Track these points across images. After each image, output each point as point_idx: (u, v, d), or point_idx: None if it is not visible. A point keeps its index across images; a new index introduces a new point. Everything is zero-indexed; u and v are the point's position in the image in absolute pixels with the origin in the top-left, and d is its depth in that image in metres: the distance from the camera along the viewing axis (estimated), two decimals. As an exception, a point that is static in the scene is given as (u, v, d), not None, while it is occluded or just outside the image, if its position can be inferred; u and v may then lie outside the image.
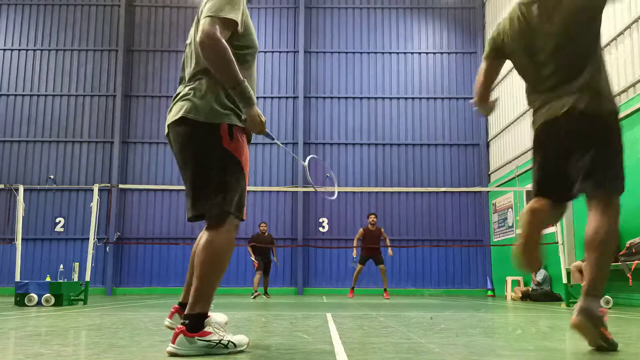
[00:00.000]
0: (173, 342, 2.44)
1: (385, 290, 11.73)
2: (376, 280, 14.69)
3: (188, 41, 2.82)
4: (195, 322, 2.48)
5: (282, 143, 15.88)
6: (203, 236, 2.60)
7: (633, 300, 8.68)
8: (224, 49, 2.50)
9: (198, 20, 2.68)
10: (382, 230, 12.28)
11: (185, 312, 2.53)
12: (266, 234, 12.41)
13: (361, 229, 12.16)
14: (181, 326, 2.47)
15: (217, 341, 2.50)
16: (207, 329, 2.49)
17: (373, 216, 12.13)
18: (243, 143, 2.68)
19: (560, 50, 2.90)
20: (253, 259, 11.95)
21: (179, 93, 2.70)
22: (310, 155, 3.70)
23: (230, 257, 2.63)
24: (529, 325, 4.43)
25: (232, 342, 2.55)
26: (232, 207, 2.60)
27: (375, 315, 5.58)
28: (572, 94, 2.88)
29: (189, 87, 2.66)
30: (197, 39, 2.53)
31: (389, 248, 11.99)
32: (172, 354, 2.44)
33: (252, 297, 11.34)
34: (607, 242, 2.73)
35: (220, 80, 2.57)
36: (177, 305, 3.04)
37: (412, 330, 3.79)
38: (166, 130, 2.75)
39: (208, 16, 2.54)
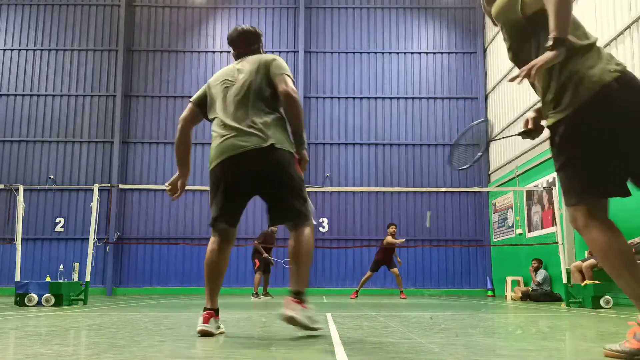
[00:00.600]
0: (292, 309, 3.12)
1: (401, 292, 12.03)
2: (375, 280, 14.69)
3: (238, 84, 3.44)
4: (304, 297, 3.22)
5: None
6: (298, 234, 3.28)
7: (633, 300, 8.68)
8: (300, 102, 3.40)
9: (257, 70, 3.42)
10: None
11: (297, 290, 3.21)
12: (275, 234, 12.40)
13: (390, 237, 12.33)
14: (296, 299, 3.17)
15: (312, 314, 3.26)
16: (306, 304, 3.24)
17: (394, 227, 12.37)
18: None
19: None
20: (266, 256, 11.76)
21: (240, 125, 3.31)
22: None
23: None
24: (529, 325, 4.43)
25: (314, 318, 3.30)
26: (310, 212, 3.39)
27: (375, 315, 5.58)
28: None
29: (261, 119, 3.32)
30: (284, 91, 3.33)
31: (397, 257, 12.50)
32: (291, 318, 3.11)
33: (257, 297, 11.30)
34: None
35: (293, 124, 3.37)
36: (210, 311, 3.32)
37: (412, 330, 3.79)
38: (221, 158, 3.37)
39: (286, 75, 3.41)
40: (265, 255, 11.81)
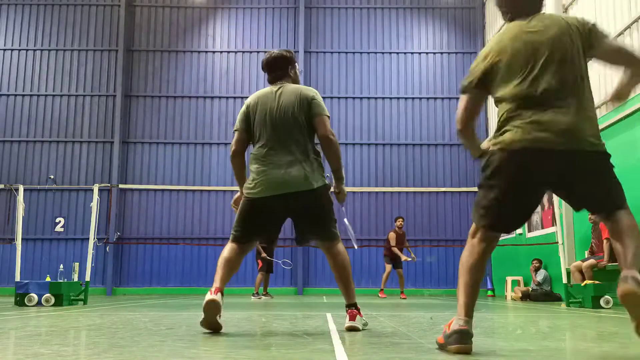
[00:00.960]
0: (353, 320, 3.73)
1: (402, 292, 12.07)
2: (375, 279, 14.68)
3: (280, 112, 3.68)
4: (357, 307, 3.80)
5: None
6: (333, 250, 3.81)
7: (633, 300, 8.67)
8: (337, 142, 3.79)
9: (299, 104, 3.69)
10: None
11: (351, 302, 3.83)
12: None
13: (393, 233, 12.28)
14: (354, 310, 3.78)
15: (365, 320, 3.92)
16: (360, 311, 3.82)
17: (401, 220, 12.29)
18: None
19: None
20: (264, 255, 11.64)
21: (287, 162, 3.63)
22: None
23: None
24: (529, 325, 4.43)
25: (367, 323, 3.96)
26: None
27: (375, 315, 5.58)
28: None
29: (304, 159, 3.67)
30: (324, 135, 3.71)
31: (412, 252, 12.46)
32: (354, 328, 3.70)
33: (257, 297, 11.29)
34: None
35: (333, 164, 3.80)
36: (217, 287, 3.58)
37: (412, 330, 3.79)
38: (270, 194, 3.63)
39: (325, 115, 3.74)
40: (264, 255, 11.79)
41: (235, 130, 3.85)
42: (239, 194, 3.97)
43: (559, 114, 2.54)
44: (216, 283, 3.58)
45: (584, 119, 2.57)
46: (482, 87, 2.76)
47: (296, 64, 4.00)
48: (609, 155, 2.61)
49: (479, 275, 2.66)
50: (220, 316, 3.43)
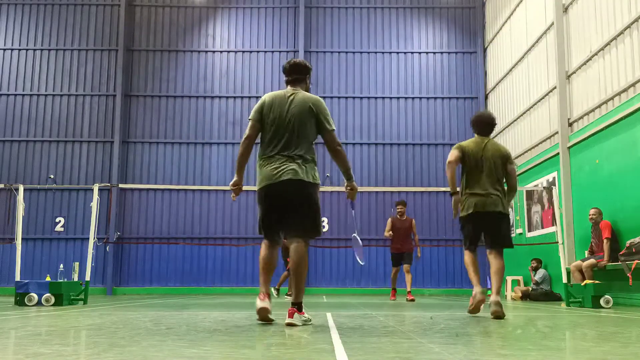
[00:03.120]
0: (291, 317, 3.98)
1: (408, 292, 10.29)
2: (375, 279, 14.69)
3: (286, 120, 4.17)
4: (300, 306, 4.11)
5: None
6: (292, 248, 4.13)
7: (633, 300, 8.68)
8: (344, 150, 4.37)
9: (310, 111, 4.19)
10: (414, 222, 10.73)
11: (295, 301, 4.12)
12: None
13: (390, 219, 10.70)
14: (293, 308, 4.04)
15: (308, 318, 4.20)
16: (304, 310, 4.20)
17: (401, 205, 10.60)
18: None
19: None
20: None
21: (288, 158, 4.13)
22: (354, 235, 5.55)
23: None
24: (529, 325, 4.44)
25: (310, 319, 4.26)
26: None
27: (375, 315, 5.58)
28: None
29: (304, 158, 4.15)
30: (334, 148, 4.26)
31: (418, 248, 10.69)
32: (291, 324, 3.95)
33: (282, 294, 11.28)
34: None
35: (343, 168, 4.40)
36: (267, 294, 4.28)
37: (412, 330, 3.79)
38: (268, 182, 4.12)
39: (333, 129, 4.28)
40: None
41: (251, 119, 4.31)
42: (236, 178, 4.41)
43: (483, 192, 5.48)
44: (262, 288, 4.24)
45: (494, 195, 5.47)
46: (460, 162, 5.58)
47: (310, 75, 4.51)
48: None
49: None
50: (270, 313, 4.18)
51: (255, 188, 4.30)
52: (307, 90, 4.41)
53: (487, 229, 5.49)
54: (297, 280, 4.15)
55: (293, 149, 4.13)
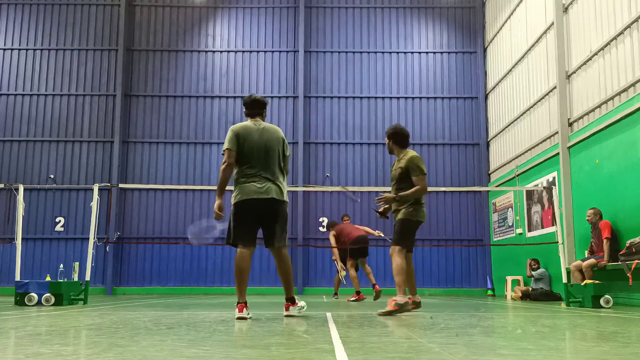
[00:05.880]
0: (287, 310, 5.06)
1: (374, 284, 10.74)
2: (375, 278, 14.67)
3: (263, 147, 4.92)
4: (293, 299, 5.09)
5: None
6: (280, 254, 4.98)
7: (633, 299, 8.68)
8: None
9: (278, 140, 5.04)
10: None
11: (289, 296, 5.08)
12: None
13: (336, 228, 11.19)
14: (288, 302, 5.07)
15: (302, 306, 5.13)
16: (297, 300, 5.16)
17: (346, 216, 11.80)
18: None
19: None
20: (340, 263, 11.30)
21: (269, 179, 4.89)
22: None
23: None
24: (529, 324, 4.44)
25: (304, 306, 5.19)
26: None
27: (375, 315, 5.58)
28: None
29: (280, 181, 4.97)
30: (287, 170, 5.12)
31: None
32: (290, 316, 4.97)
33: (335, 297, 11.38)
34: None
35: (286, 174, 5.18)
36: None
37: (412, 330, 3.79)
38: (255, 197, 4.81)
39: (289, 155, 5.16)
40: (334, 258, 11.41)
41: (228, 149, 4.88)
42: (220, 201, 4.91)
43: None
44: (242, 297, 4.82)
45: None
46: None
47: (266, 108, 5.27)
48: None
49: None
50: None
51: (240, 197, 4.80)
52: (264, 120, 5.14)
53: None
54: (289, 279, 5.01)
55: (270, 172, 4.89)
